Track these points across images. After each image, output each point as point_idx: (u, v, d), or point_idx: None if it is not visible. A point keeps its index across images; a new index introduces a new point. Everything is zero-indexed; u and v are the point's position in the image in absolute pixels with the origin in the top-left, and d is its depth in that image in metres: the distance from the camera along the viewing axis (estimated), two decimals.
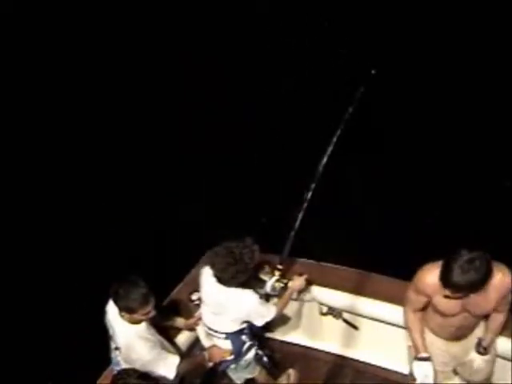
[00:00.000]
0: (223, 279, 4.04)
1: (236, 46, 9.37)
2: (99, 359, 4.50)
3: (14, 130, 8.44)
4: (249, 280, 4.15)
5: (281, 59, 9.11)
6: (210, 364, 4.37)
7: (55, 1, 10.23)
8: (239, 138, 7.77)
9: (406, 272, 4.75)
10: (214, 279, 4.09)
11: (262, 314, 4.17)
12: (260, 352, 4.41)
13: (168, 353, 4.14)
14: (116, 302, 3.97)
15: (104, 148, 8.09)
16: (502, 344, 4.14)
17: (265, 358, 4.42)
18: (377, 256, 5.64)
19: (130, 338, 3.99)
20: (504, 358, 4.20)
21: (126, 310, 3.94)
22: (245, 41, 9.43)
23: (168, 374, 4.03)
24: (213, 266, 4.06)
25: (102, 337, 4.28)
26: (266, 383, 4.56)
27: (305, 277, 4.49)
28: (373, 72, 4.62)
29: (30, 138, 8.30)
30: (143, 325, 4.03)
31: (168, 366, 4.04)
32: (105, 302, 4.16)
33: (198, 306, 4.46)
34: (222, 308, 4.13)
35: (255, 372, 4.45)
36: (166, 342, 4.32)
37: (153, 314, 4.00)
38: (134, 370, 3.73)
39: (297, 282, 4.45)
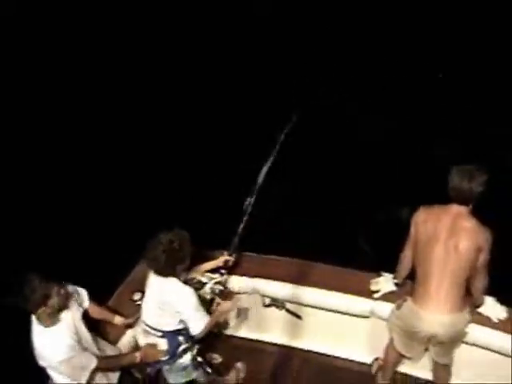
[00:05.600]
0: (157, 268, 4.04)
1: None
2: None
3: (16, 131, 8.53)
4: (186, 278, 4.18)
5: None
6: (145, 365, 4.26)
7: (57, 3, 10.37)
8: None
9: (345, 260, 4.87)
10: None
11: (197, 316, 4.11)
12: (199, 359, 4.36)
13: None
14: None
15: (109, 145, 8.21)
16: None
17: (205, 366, 4.39)
18: (315, 245, 5.71)
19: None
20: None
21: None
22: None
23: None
24: (146, 259, 4.07)
25: None
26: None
27: (234, 301, 4.55)
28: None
29: (31, 138, 8.37)
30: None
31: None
32: None
33: (139, 306, 4.40)
34: (163, 302, 4.10)
35: (191, 377, 4.36)
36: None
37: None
38: None
39: (225, 306, 4.46)
